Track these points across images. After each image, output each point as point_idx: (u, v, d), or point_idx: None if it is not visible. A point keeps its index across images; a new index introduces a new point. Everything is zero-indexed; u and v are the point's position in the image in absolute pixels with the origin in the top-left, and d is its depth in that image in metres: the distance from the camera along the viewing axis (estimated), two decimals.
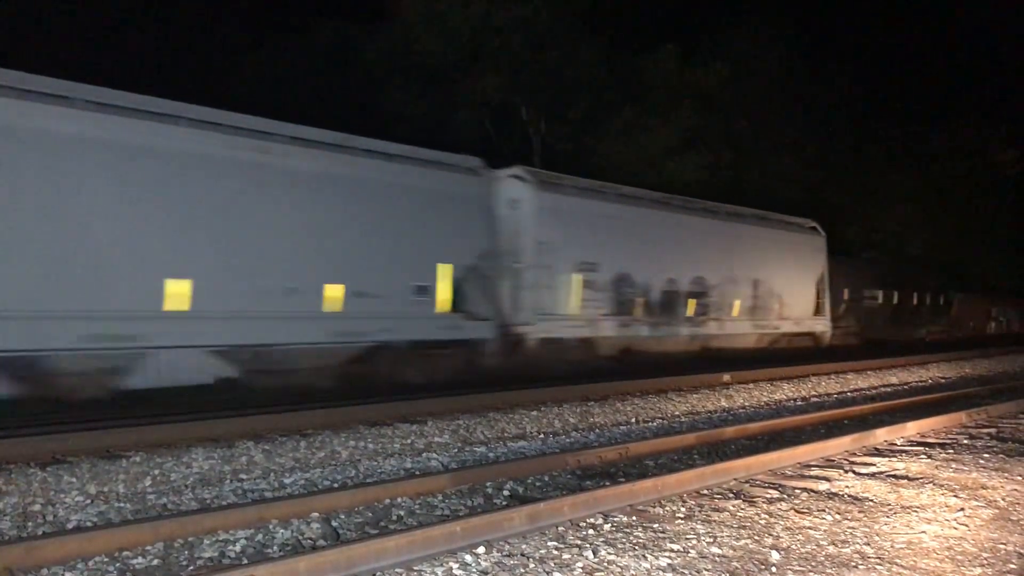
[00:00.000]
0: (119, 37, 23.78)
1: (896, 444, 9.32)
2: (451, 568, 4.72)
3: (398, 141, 15.07)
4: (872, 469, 7.78)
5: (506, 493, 7.15)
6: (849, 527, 5.71)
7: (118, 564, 5.09)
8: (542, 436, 10.33)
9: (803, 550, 5.17)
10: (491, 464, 8.22)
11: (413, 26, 28.18)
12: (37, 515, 6.42)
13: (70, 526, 6.12)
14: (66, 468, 7.79)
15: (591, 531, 5.49)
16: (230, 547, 5.45)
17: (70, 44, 22.22)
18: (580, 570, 4.71)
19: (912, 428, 10.15)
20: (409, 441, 9.67)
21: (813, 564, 4.90)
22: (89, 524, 6.14)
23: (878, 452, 8.76)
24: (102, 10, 23.18)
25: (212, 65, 26.81)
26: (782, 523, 5.79)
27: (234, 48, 27.29)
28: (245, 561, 5.16)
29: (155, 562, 5.16)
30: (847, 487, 7.01)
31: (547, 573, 4.66)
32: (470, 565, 4.78)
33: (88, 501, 6.85)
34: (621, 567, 4.76)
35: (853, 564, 4.92)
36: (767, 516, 5.96)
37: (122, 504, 6.75)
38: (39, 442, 8.55)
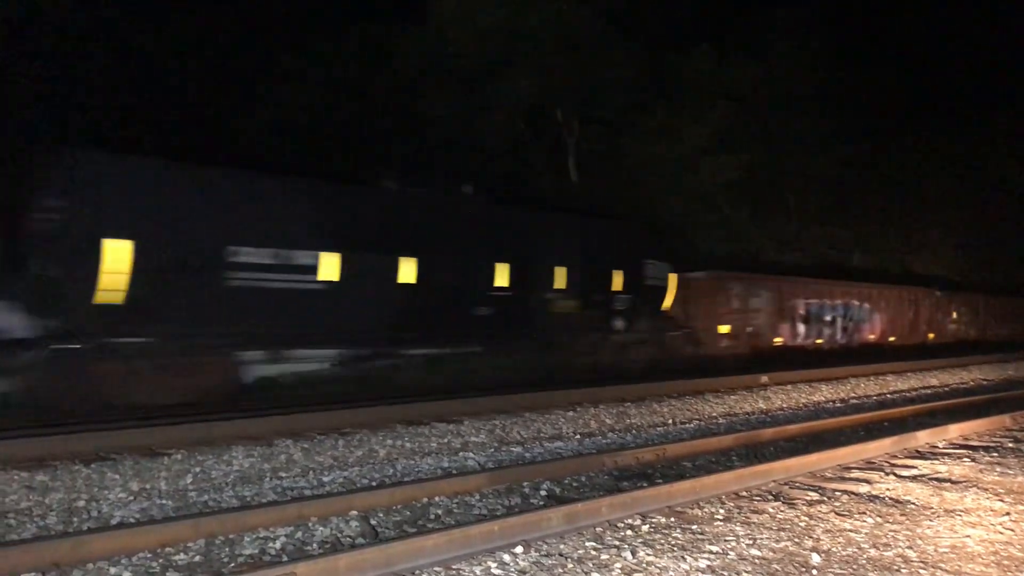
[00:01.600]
0: (156, 42, 24.05)
1: (938, 447, 9.19)
2: (489, 567, 4.73)
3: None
4: (914, 472, 7.68)
5: (543, 493, 7.15)
6: (891, 530, 5.64)
7: (161, 560, 5.15)
8: (578, 437, 10.31)
9: (844, 553, 5.11)
10: (527, 464, 8.23)
11: (445, 28, 28.24)
12: (82, 511, 6.53)
13: (114, 522, 6.21)
14: (109, 465, 7.92)
15: (629, 532, 5.48)
16: (270, 544, 5.50)
17: (112, 46, 22.52)
18: (619, 571, 4.69)
19: (954, 431, 10.01)
20: (446, 440, 9.70)
21: (854, 567, 4.85)
22: (132, 520, 6.23)
23: (919, 455, 8.65)
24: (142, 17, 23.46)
25: (248, 71, 27.03)
26: (822, 525, 5.73)
27: (270, 53, 27.50)
28: (285, 559, 5.20)
29: (197, 559, 5.22)
30: (888, 490, 6.92)
31: (585, 573, 4.65)
32: (508, 564, 4.78)
33: (131, 498, 6.95)
34: (660, 568, 4.74)
35: (896, 568, 4.86)
36: (807, 518, 5.91)
37: (164, 501, 6.84)
38: (83, 439, 8.70)
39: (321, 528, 5.86)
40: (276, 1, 28.10)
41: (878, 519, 5.91)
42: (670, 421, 11.71)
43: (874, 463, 8.11)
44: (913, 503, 6.45)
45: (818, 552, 5.08)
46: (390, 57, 28.59)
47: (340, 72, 28.23)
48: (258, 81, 27.26)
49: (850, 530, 5.63)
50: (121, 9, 22.30)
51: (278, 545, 5.49)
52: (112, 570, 4.95)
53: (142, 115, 22.24)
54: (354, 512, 6.19)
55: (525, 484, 7.35)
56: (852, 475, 7.52)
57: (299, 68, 27.78)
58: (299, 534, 5.73)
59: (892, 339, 27.99)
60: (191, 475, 7.70)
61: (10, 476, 7.41)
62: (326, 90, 27.70)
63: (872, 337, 27.09)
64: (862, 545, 5.28)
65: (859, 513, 6.08)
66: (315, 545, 5.55)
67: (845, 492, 6.79)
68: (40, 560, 4.85)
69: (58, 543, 5.09)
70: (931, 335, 30.20)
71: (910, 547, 5.25)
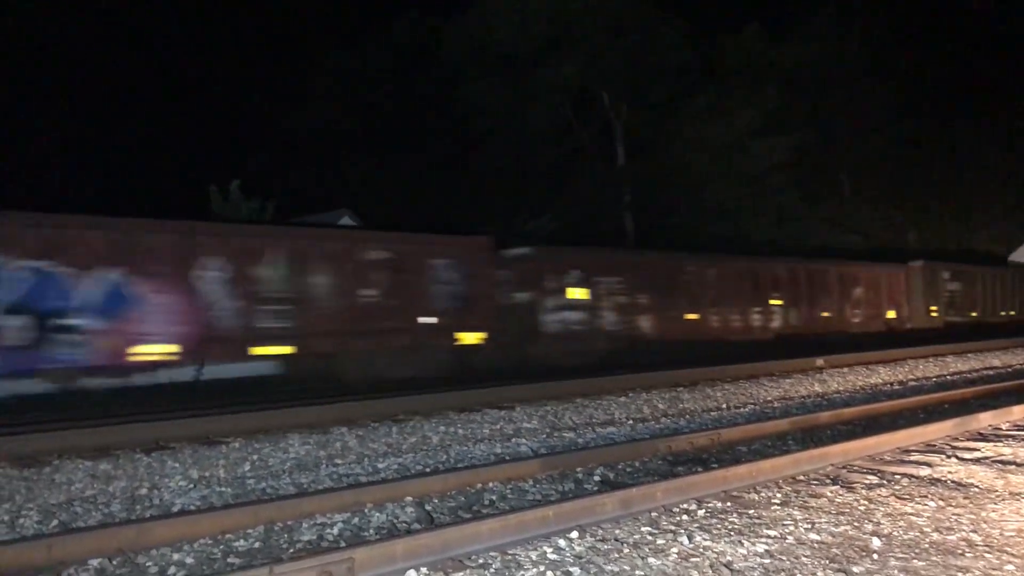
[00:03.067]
0: (211, 38, 24.43)
1: (1001, 429, 8.97)
2: (545, 552, 4.73)
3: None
4: (976, 455, 7.51)
5: (596, 479, 7.13)
6: (954, 514, 5.51)
7: (222, 546, 5.24)
8: (631, 422, 10.27)
9: (905, 537, 5.02)
10: (580, 450, 8.21)
11: (490, 16, 28.20)
12: (144, 499, 6.67)
13: (175, 509, 6.34)
14: (169, 454, 8.08)
15: (685, 517, 5.43)
16: (328, 530, 5.56)
17: (171, 47, 22.90)
18: (675, 555, 4.66)
19: (1018, 412, 9.75)
20: (498, 427, 9.73)
21: (917, 551, 4.75)
22: (193, 507, 6.35)
23: (982, 437, 8.45)
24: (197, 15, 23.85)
25: (299, 62, 27.33)
26: (882, 509, 5.63)
27: (319, 46, 27.79)
28: (343, 544, 5.26)
29: (256, 544, 5.30)
30: (950, 473, 6.77)
31: (642, 558, 4.62)
32: (564, 549, 4.77)
33: (191, 485, 7.08)
34: (717, 552, 4.70)
35: (959, 552, 4.75)
36: (866, 502, 5.80)
37: (223, 488, 6.96)
38: (143, 429, 8.89)
39: (377, 514, 5.91)
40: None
41: (940, 502, 5.79)
42: (724, 406, 11.61)
43: (935, 446, 7.94)
44: (976, 486, 6.30)
45: (879, 536, 4.99)
46: (436, 47, 28.66)
47: (386, 62, 28.38)
48: (306, 78, 27.58)
49: (911, 514, 5.52)
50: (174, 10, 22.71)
51: (335, 531, 5.55)
52: (175, 556, 5.04)
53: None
54: (409, 498, 6.23)
55: (578, 470, 7.34)
56: (912, 458, 7.37)
57: (346, 63, 27.99)
58: (356, 520, 5.79)
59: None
60: (249, 463, 7.83)
61: (75, 465, 7.61)
62: (372, 84, 27.89)
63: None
64: (924, 529, 5.17)
65: (920, 497, 5.95)
66: (372, 531, 5.60)
67: (905, 475, 6.65)
68: (106, 546, 4.97)
69: (123, 529, 5.20)
70: (891, 314, 26.47)
71: (974, 531, 5.13)
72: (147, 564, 4.93)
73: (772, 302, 22.22)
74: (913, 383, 14.51)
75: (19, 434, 8.60)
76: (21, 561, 4.72)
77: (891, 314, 26.18)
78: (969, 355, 19.23)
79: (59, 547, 4.86)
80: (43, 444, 8.24)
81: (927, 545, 4.86)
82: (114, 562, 4.90)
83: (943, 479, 6.54)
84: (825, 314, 23.73)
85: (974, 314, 28.53)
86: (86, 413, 10.28)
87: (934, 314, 26.96)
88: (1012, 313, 29.78)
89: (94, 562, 4.84)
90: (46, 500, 6.63)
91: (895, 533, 5.08)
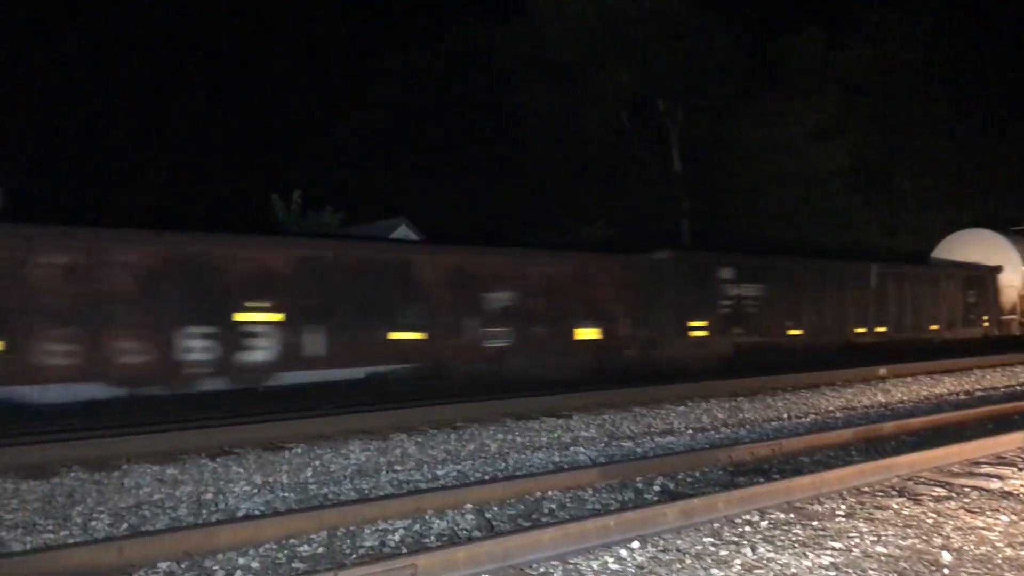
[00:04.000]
0: (270, 45, 24.88)
1: None
2: (606, 562, 4.72)
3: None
4: None
5: (656, 488, 7.09)
6: None
7: (286, 551, 5.32)
8: (690, 432, 10.18)
9: (977, 552, 4.90)
10: (639, 459, 8.16)
11: (543, 22, 28.23)
12: (210, 503, 6.80)
13: (240, 514, 6.45)
14: (234, 459, 8.23)
15: (747, 528, 5.38)
16: (389, 536, 5.61)
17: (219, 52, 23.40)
18: (738, 567, 4.62)
19: None
20: (556, 435, 9.73)
21: (989, 567, 4.64)
22: (257, 512, 6.45)
23: None
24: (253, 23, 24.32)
25: (352, 69, 27.70)
26: (952, 523, 5.51)
27: (373, 53, 28.15)
28: (405, 551, 5.30)
29: (320, 550, 5.37)
30: (1022, 486, 6.60)
31: (704, 569, 4.59)
32: (625, 559, 4.76)
33: (255, 491, 7.20)
34: (781, 565, 4.65)
35: None
36: (935, 515, 5.69)
37: (286, 494, 7.06)
38: (209, 434, 9.06)
39: (438, 521, 5.95)
40: (376, 4, 28.73)
41: (1013, 516, 5.65)
42: (785, 415, 11.45)
43: (1005, 458, 7.74)
44: None
45: (948, 550, 4.89)
46: (489, 54, 28.77)
47: (439, 69, 28.59)
48: (360, 83, 27.93)
49: (982, 528, 5.39)
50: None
51: (397, 537, 5.60)
52: (240, 560, 5.13)
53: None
54: (469, 505, 6.26)
55: (638, 479, 7.30)
56: (982, 470, 7.20)
57: (398, 71, 28.25)
58: (416, 526, 5.83)
59: None
60: (311, 468, 7.93)
61: (143, 469, 7.79)
62: (425, 91, 28.12)
63: None
64: (996, 544, 5.05)
65: (991, 510, 5.82)
66: (432, 537, 5.64)
67: (975, 488, 6.50)
68: (174, 550, 5.08)
69: (190, 534, 5.31)
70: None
71: None
72: (214, 568, 5.02)
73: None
74: (980, 393, 14.15)
75: (90, 439, 8.82)
76: (94, 562, 4.84)
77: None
78: None
79: (130, 550, 4.98)
80: (112, 448, 8.44)
81: (1000, 560, 4.75)
82: (182, 565, 5.00)
83: (1015, 492, 6.38)
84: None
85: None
86: (150, 418, 10.51)
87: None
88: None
89: (163, 565, 4.94)
90: (116, 503, 6.79)
91: (966, 548, 4.98)
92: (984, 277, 25.99)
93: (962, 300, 25.11)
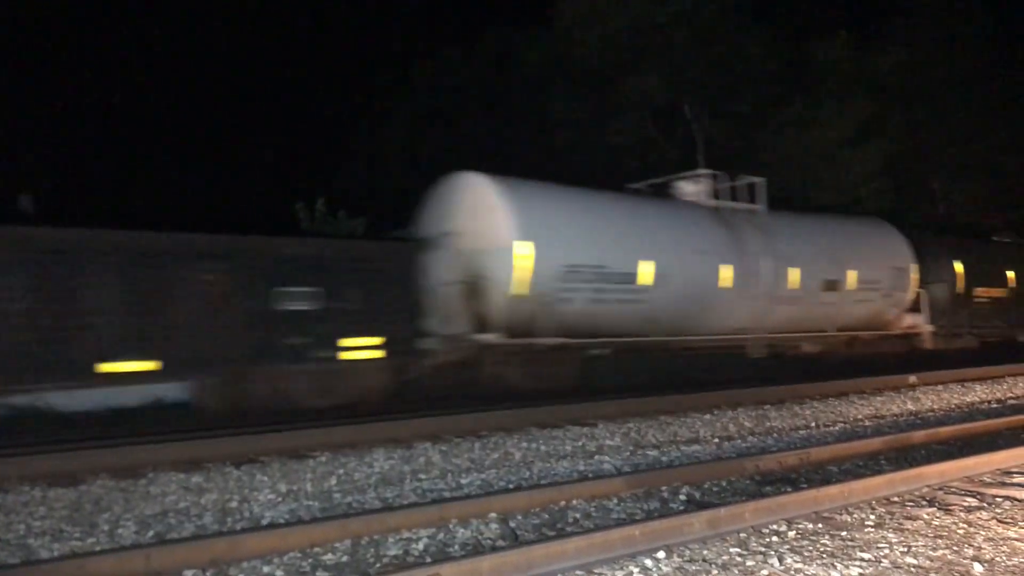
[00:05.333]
0: (300, 52, 25.11)
1: None
2: (632, 572, 4.68)
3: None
4: None
5: (682, 498, 7.02)
6: None
7: (310, 560, 5.32)
8: (716, 440, 10.10)
9: (1010, 563, 4.81)
10: (665, 468, 8.10)
11: (572, 28, 28.22)
12: (235, 511, 6.82)
13: (265, 522, 6.46)
14: (258, 467, 8.26)
15: (775, 538, 5.31)
16: (413, 545, 5.59)
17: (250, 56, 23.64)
18: None
19: None
20: (580, 444, 9.68)
21: None
22: (282, 521, 6.46)
23: None
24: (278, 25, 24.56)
25: (383, 76, 27.86)
26: (983, 533, 5.41)
27: (406, 58, 28.30)
28: (429, 560, 5.28)
29: (344, 559, 5.36)
30: None
31: None
32: (651, 569, 4.71)
33: (279, 499, 7.21)
34: None
35: None
36: (966, 525, 5.59)
37: (310, 502, 7.07)
38: (233, 442, 9.11)
39: (462, 530, 5.92)
40: (407, 12, 28.89)
41: None
42: (813, 424, 11.33)
43: None
44: None
45: (980, 562, 4.80)
46: (519, 61, 28.79)
47: (470, 76, 28.64)
48: (391, 90, 28.04)
49: (1015, 539, 5.29)
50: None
51: (421, 546, 5.58)
52: (265, 568, 5.13)
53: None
54: (493, 514, 6.23)
55: (663, 488, 7.24)
56: (1014, 480, 7.07)
57: (430, 78, 28.34)
58: (441, 535, 5.81)
59: None
60: (335, 477, 7.94)
61: (168, 477, 7.84)
62: (458, 94, 28.18)
63: None
64: None
65: None
66: (457, 547, 5.61)
67: (1007, 498, 6.38)
68: (200, 558, 5.09)
69: (215, 542, 5.33)
70: None
71: None
72: None
73: None
74: (1013, 401, 13.93)
75: (116, 446, 8.90)
76: (121, 570, 4.87)
77: None
78: None
79: (156, 557, 5.00)
80: (138, 456, 8.50)
81: None
82: (208, 573, 5.01)
83: None
84: None
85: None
86: (175, 426, 10.58)
87: None
88: None
89: (189, 572, 4.96)
90: (142, 511, 6.83)
91: (998, 559, 4.88)
92: None
93: None
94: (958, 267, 22.15)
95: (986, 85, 31.38)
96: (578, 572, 4.69)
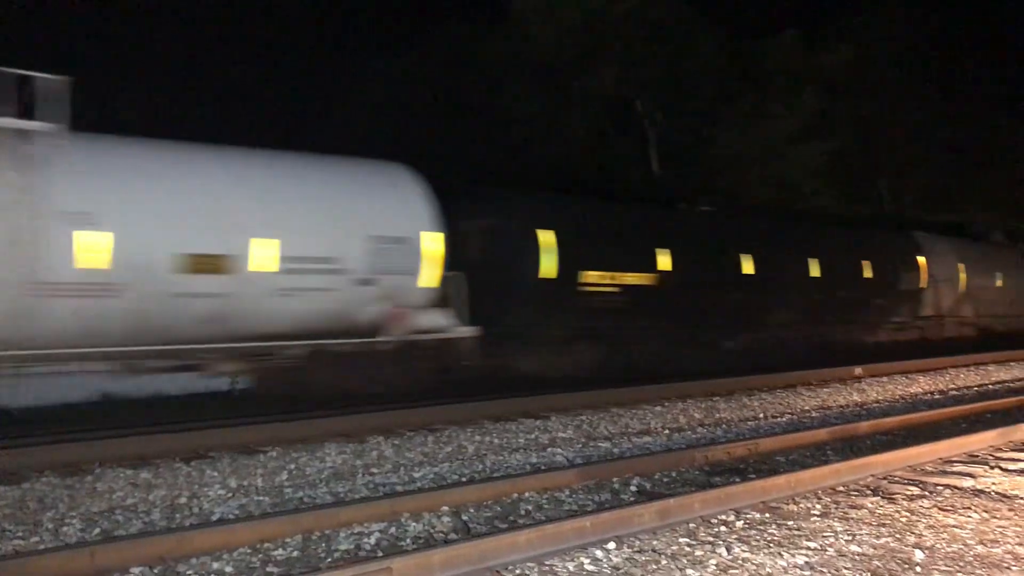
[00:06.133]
0: (247, 45, 24.75)
1: None
2: (582, 563, 4.72)
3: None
4: (1021, 465, 7.38)
5: (633, 489, 7.10)
6: (998, 526, 5.43)
7: (260, 555, 5.28)
8: (667, 432, 10.21)
9: (949, 549, 4.94)
10: (616, 460, 8.18)
11: (528, 25, 28.21)
12: (184, 507, 6.74)
13: (214, 518, 6.40)
14: (208, 463, 8.16)
15: (723, 528, 5.39)
16: (365, 540, 5.58)
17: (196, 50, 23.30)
18: (714, 567, 4.63)
19: None
20: (533, 436, 9.72)
21: (961, 564, 4.68)
22: (232, 517, 6.40)
23: None
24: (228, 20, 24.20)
25: (338, 71, 27.60)
26: (925, 521, 5.55)
27: (358, 54, 28.07)
28: (380, 554, 5.27)
29: (295, 554, 5.34)
30: (994, 484, 6.67)
31: (680, 570, 4.59)
32: (601, 560, 4.76)
33: (230, 494, 7.14)
34: (756, 564, 4.66)
35: (1005, 565, 4.67)
36: (908, 514, 5.73)
37: (261, 497, 7.01)
38: (183, 438, 8.98)
39: (414, 524, 5.92)
40: (362, 5, 28.59)
41: (984, 514, 5.70)
42: (761, 415, 11.51)
43: (977, 456, 7.81)
44: (1021, 498, 6.19)
45: (921, 548, 4.92)
46: (474, 56, 28.70)
47: (425, 73, 28.49)
48: (345, 84, 27.78)
49: (955, 526, 5.44)
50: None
51: (372, 540, 5.57)
52: (215, 564, 5.09)
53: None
54: (446, 508, 6.24)
55: (615, 480, 7.31)
56: (954, 469, 7.26)
57: (385, 70, 28.15)
58: (393, 530, 5.80)
59: None
60: (286, 472, 7.88)
61: (116, 473, 7.71)
62: (412, 91, 28.00)
63: None
64: (968, 541, 5.09)
65: (963, 508, 5.87)
66: (409, 540, 5.61)
67: (948, 486, 6.56)
68: (147, 554, 5.03)
69: (163, 538, 5.27)
70: None
71: (1020, 543, 5.05)
72: (187, 573, 4.98)
73: None
74: (954, 392, 14.29)
75: (62, 443, 8.72)
76: (66, 569, 4.79)
77: None
78: (1012, 364, 18.90)
79: (102, 555, 4.92)
80: (85, 453, 8.34)
81: (971, 558, 4.79)
82: (155, 570, 4.95)
83: (987, 490, 6.45)
84: None
85: None
86: (125, 421, 10.39)
87: None
88: None
89: (136, 570, 4.89)
90: (88, 508, 6.71)
91: (938, 545, 5.02)
92: None
93: None
94: (545, 238, 14.56)
95: (929, 83, 32.01)
96: (530, 564, 4.72)
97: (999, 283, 26.04)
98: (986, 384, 15.54)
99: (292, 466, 8.07)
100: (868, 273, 21.20)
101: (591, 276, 15.05)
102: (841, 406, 12.45)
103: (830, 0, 32.59)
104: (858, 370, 16.24)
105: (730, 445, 8.51)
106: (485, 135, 27.68)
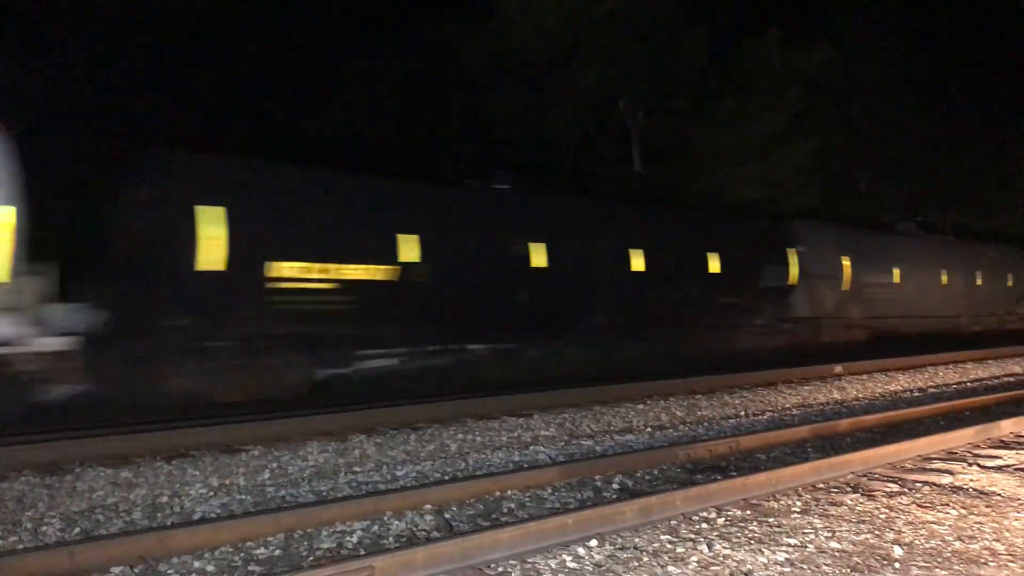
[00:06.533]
0: (228, 49, 24.59)
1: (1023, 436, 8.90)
2: (564, 560, 4.73)
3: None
4: (999, 462, 7.45)
5: (615, 486, 7.12)
6: (976, 522, 5.48)
7: (242, 554, 5.27)
8: (649, 430, 10.25)
9: (927, 545, 4.99)
10: (599, 457, 8.20)
11: (510, 22, 28.20)
12: (165, 506, 6.71)
13: (196, 517, 6.38)
14: (190, 461, 8.12)
15: (704, 525, 5.42)
16: (347, 538, 5.58)
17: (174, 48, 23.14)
18: (695, 564, 4.65)
19: None
20: (516, 434, 9.73)
21: (939, 560, 4.73)
22: (213, 515, 6.38)
23: (1004, 444, 8.38)
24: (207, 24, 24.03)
25: (315, 71, 27.48)
26: (904, 517, 5.60)
27: (336, 54, 27.94)
28: (363, 552, 5.28)
29: (277, 552, 5.33)
30: (972, 481, 6.73)
31: (661, 567, 4.62)
32: (583, 558, 4.77)
33: (211, 493, 7.11)
34: (737, 561, 4.69)
35: (983, 561, 4.72)
36: (887, 510, 5.78)
37: (243, 496, 6.99)
38: (164, 437, 8.94)
39: (396, 522, 5.92)
40: (344, 3, 28.45)
41: (962, 511, 5.75)
42: (743, 413, 11.56)
43: (956, 453, 7.89)
44: (999, 494, 6.25)
45: (900, 544, 4.97)
46: (457, 55, 28.68)
47: (408, 71, 28.44)
48: (328, 83, 27.68)
49: (933, 522, 5.49)
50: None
51: (355, 539, 5.57)
52: (196, 563, 5.07)
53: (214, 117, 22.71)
54: (428, 506, 6.24)
55: (597, 478, 7.33)
56: (933, 466, 7.33)
57: (368, 68, 28.07)
58: (375, 528, 5.80)
59: None
60: (268, 471, 7.86)
61: (96, 473, 7.66)
62: (394, 90, 27.95)
63: None
64: (946, 538, 5.14)
65: (942, 505, 5.92)
66: (391, 539, 5.62)
67: (927, 483, 6.62)
68: (128, 554, 5.01)
69: (144, 537, 5.25)
70: None
71: (997, 539, 5.10)
72: (168, 572, 4.96)
73: None
74: (933, 390, 14.40)
75: (41, 442, 8.66)
76: (45, 568, 4.77)
77: None
78: (990, 362, 19.08)
79: (82, 554, 4.90)
80: (64, 452, 8.28)
81: (949, 554, 4.84)
82: (136, 570, 4.94)
83: (965, 487, 6.51)
84: None
85: None
86: (106, 420, 10.33)
87: None
88: None
89: (116, 569, 4.88)
90: (68, 508, 6.68)
91: (917, 542, 5.06)
92: None
93: None
94: (209, 216, 10.76)
95: (910, 83, 32.26)
96: (512, 562, 4.73)
97: (896, 280, 22.98)
98: (964, 382, 15.67)
99: (274, 465, 8.05)
100: (715, 268, 17.78)
101: (287, 269, 11.37)
102: (822, 404, 12.52)
103: (812, 0, 32.71)
104: (838, 368, 16.35)
105: (712, 443, 8.54)
106: (469, 134, 27.72)
